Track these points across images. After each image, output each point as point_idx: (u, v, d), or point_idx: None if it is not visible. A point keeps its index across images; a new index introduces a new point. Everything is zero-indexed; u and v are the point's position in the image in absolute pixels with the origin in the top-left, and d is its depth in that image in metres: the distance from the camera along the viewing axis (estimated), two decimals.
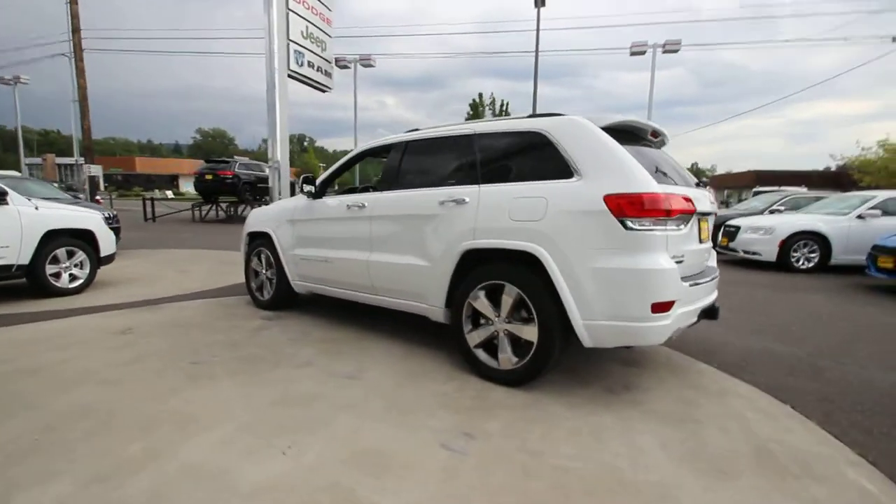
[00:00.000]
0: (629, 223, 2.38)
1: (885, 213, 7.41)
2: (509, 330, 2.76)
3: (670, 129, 3.23)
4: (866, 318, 4.75)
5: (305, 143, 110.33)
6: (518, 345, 2.76)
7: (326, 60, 18.81)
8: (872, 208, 7.49)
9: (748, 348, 3.63)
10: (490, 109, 35.31)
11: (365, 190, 4.97)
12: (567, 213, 2.52)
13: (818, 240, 7.60)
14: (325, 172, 4.12)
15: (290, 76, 16.48)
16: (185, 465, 1.90)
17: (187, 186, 44.25)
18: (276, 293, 4.46)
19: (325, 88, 18.96)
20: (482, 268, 2.86)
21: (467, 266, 2.94)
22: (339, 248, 3.77)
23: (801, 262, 7.69)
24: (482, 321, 2.93)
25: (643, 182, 2.41)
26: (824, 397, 2.75)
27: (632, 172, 2.45)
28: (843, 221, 7.61)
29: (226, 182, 16.58)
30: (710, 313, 2.79)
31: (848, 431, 2.33)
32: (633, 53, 17.27)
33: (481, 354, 2.90)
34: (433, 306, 3.16)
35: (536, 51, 18.04)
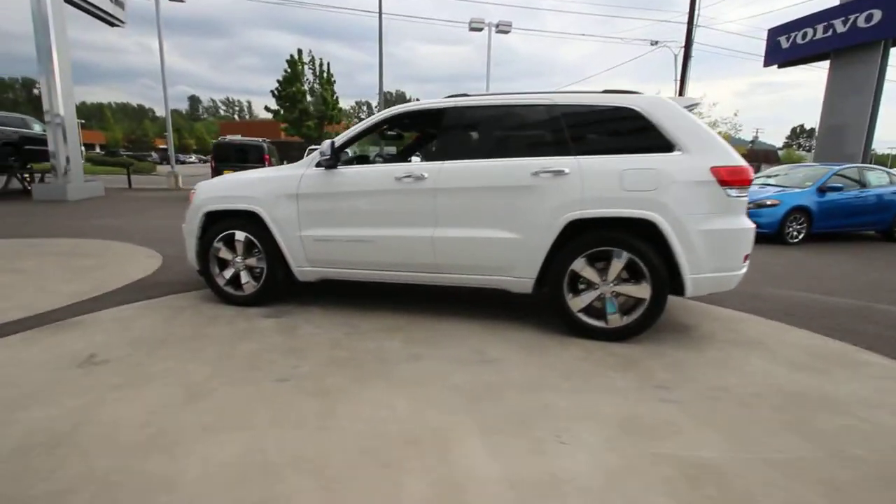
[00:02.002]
0: (730, 191, 2.84)
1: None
2: (618, 291, 3.00)
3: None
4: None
5: (36, 91, 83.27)
6: (623, 304, 3.03)
7: None
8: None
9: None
10: (310, 69, 32.79)
11: (390, 158, 4.41)
12: (678, 182, 2.84)
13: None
14: (342, 137, 3.48)
15: (67, 0, 12.41)
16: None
17: None
18: (267, 285, 3.65)
19: (115, 21, 15.07)
20: (585, 236, 2.99)
21: (565, 236, 3.02)
22: (384, 226, 3.32)
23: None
24: (581, 286, 3.09)
25: (737, 156, 2.90)
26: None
27: (726, 148, 2.90)
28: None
29: None
30: None
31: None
32: (471, 29, 18.32)
33: (585, 318, 3.07)
34: (521, 278, 3.15)
35: (380, 13, 17.49)
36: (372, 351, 2.83)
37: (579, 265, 3.01)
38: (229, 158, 13.29)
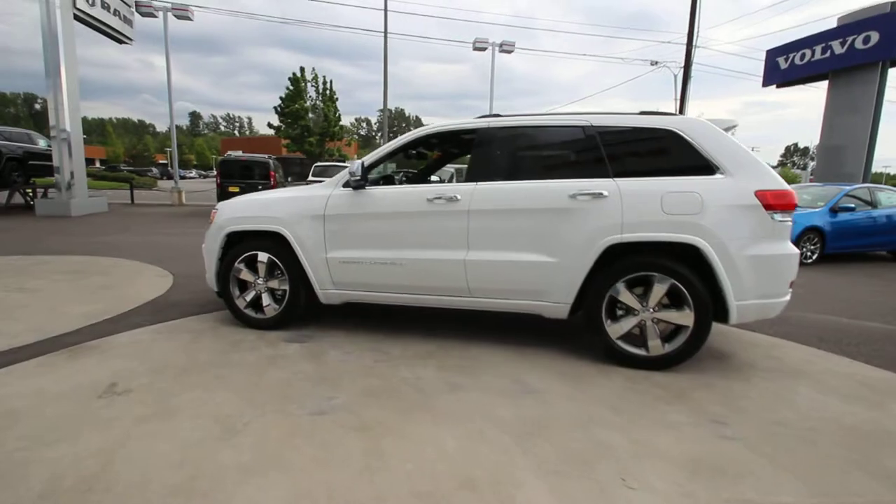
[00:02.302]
0: (776, 215, 2.77)
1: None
2: (659, 318, 2.90)
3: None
4: None
5: (38, 106, 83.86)
6: (663, 331, 2.93)
7: (125, 3, 14.78)
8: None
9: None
10: (313, 86, 33.11)
11: (409, 179, 4.34)
12: (723, 206, 2.77)
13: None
14: (371, 157, 3.41)
15: (77, 17, 12.54)
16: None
17: None
18: (289, 308, 3.54)
19: (123, 38, 15.20)
20: (625, 261, 2.90)
21: (603, 260, 2.93)
22: (414, 248, 3.22)
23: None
24: (619, 312, 2.99)
25: (781, 180, 2.83)
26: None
27: (769, 171, 2.84)
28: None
29: None
30: None
31: None
32: (475, 48, 18.55)
33: (624, 345, 2.96)
34: (556, 303, 3.05)
35: (385, 31, 17.71)
36: (408, 380, 2.70)
37: (619, 290, 2.92)
38: (234, 175, 13.26)
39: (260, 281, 3.58)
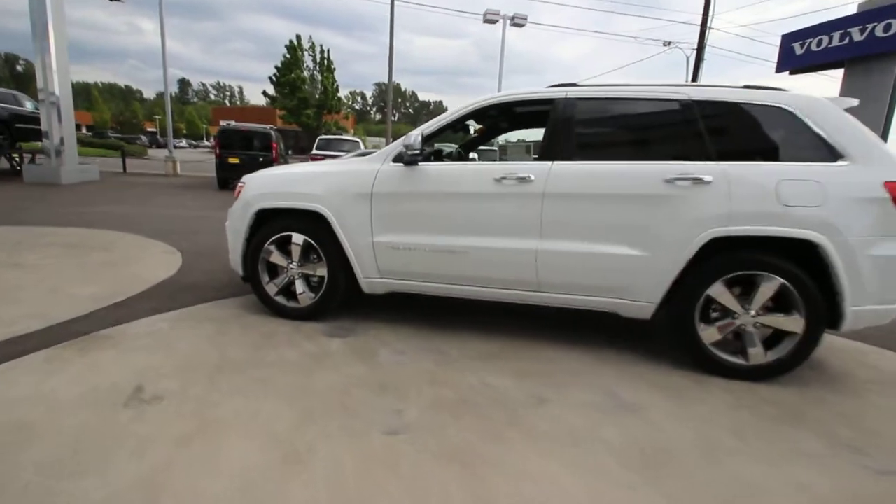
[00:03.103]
0: None
1: None
2: (763, 323, 2.55)
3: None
4: None
5: (19, 67, 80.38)
6: (765, 337, 2.59)
7: None
8: None
9: None
10: (310, 55, 31.91)
11: (456, 154, 3.89)
12: (847, 199, 2.40)
13: None
14: (429, 127, 2.96)
15: None
16: None
17: None
18: (327, 297, 3.14)
19: None
20: (729, 257, 2.53)
21: (701, 255, 2.56)
22: (477, 235, 2.82)
23: None
24: (714, 315, 2.64)
25: None
26: None
27: None
28: None
29: None
30: None
31: None
32: (486, 21, 17.75)
33: (719, 352, 2.62)
34: (640, 302, 2.68)
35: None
36: (480, 390, 2.34)
37: (717, 290, 2.55)
38: (234, 146, 12.62)
39: (293, 266, 3.16)
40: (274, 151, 12.61)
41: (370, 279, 3.07)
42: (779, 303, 2.53)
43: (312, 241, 3.08)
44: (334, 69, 32.78)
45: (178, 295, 3.66)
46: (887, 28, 15.56)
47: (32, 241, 5.23)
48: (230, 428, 1.89)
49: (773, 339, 2.59)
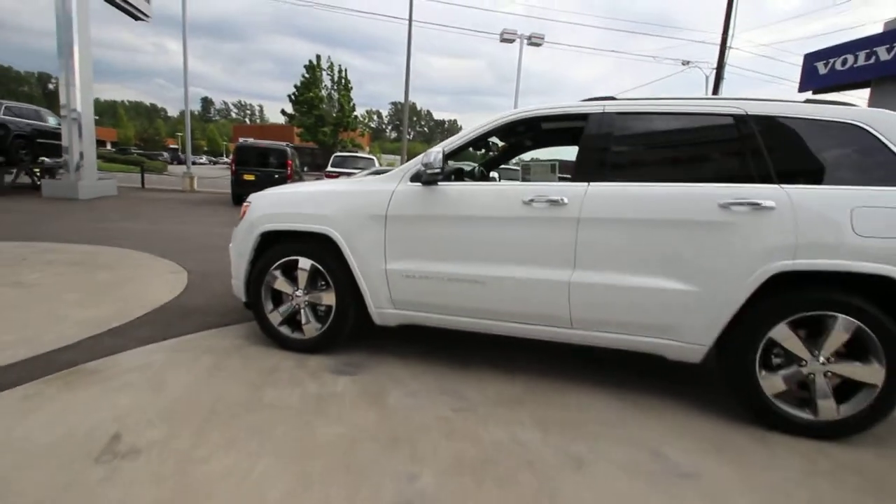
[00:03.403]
0: None
1: None
2: (835, 372, 2.19)
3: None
4: None
5: (51, 86, 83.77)
6: (836, 389, 2.22)
7: None
8: None
9: None
10: (328, 74, 32.42)
11: (477, 174, 3.64)
12: None
13: None
14: (450, 144, 2.71)
15: None
16: None
17: None
18: (334, 328, 2.86)
19: (140, 14, 14.49)
20: (795, 295, 2.20)
21: (762, 292, 2.22)
22: (502, 263, 2.53)
23: None
24: (777, 361, 2.29)
25: None
26: None
27: None
28: None
29: None
30: None
31: None
32: (503, 40, 17.76)
33: (783, 405, 2.26)
34: (689, 343, 2.35)
35: (410, 19, 16.94)
36: (505, 446, 2.02)
37: (781, 333, 2.21)
38: (250, 162, 12.61)
39: (300, 293, 2.90)
40: (289, 168, 12.56)
41: (382, 310, 2.79)
42: (854, 349, 2.17)
43: (320, 267, 2.83)
44: (351, 88, 33.21)
45: (178, 321, 3.43)
46: None
47: (38, 257, 5.09)
48: (214, 495, 1.60)
49: (847, 390, 2.22)
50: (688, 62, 22.70)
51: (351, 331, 2.93)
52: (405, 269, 2.68)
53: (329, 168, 13.00)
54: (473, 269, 2.56)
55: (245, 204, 3.10)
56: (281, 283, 2.93)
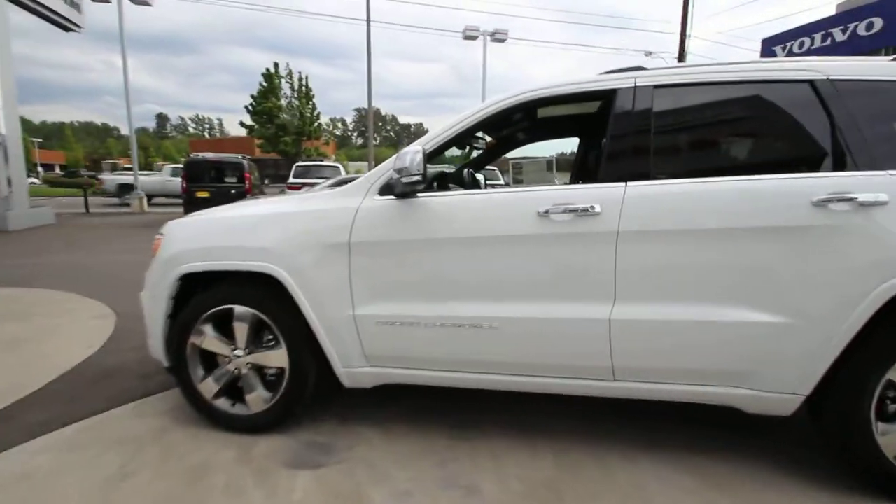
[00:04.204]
0: None
1: None
2: None
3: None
4: None
5: None
6: None
7: None
8: None
9: None
10: (287, 82, 31.22)
11: (467, 178, 2.91)
12: None
13: None
14: (426, 140, 1.99)
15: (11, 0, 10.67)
16: None
17: None
18: (290, 397, 2.11)
19: (70, 25, 13.22)
20: None
21: (877, 320, 1.61)
22: (515, 300, 1.85)
23: None
24: (893, 410, 1.68)
25: None
26: None
27: None
28: None
29: None
30: None
31: None
32: (465, 37, 17.21)
33: None
34: (779, 393, 1.72)
35: (368, 20, 16.17)
36: None
37: None
38: (203, 178, 11.58)
39: (239, 353, 2.14)
40: (248, 182, 11.60)
41: (352, 369, 2.06)
42: None
43: (265, 317, 2.08)
44: (313, 96, 32.05)
45: (88, 391, 2.63)
46: (869, 27, 15.30)
47: None
48: None
49: None
50: (650, 53, 22.74)
51: (311, 398, 2.18)
52: (381, 313, 1.96)
53: (291, 179, 12.09)
54: (473, 309, 1.87)
55: (157, 237, 2.32)
56: (213, 342, 2.16)
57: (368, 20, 16.00)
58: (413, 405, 2.42)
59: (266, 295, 2.07)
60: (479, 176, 3.28)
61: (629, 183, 1.77)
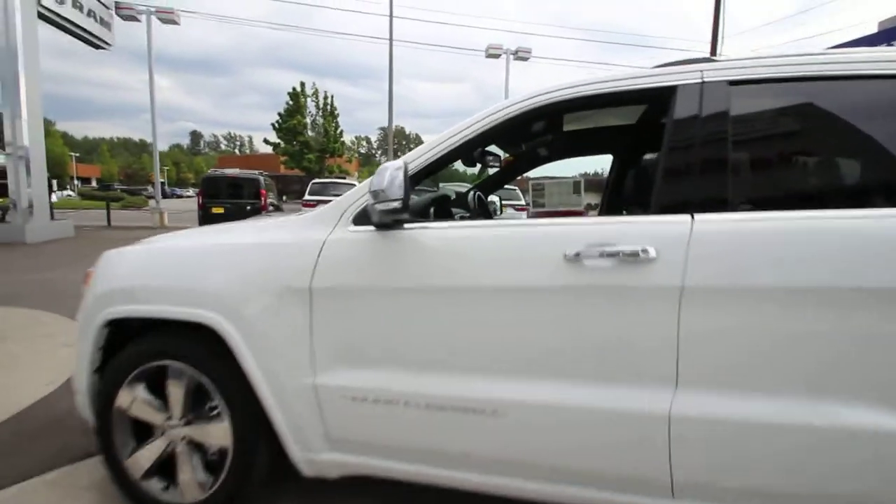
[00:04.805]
0: None
1: None
2: None
3: None
4: None
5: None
6: None
7: (103, 4, 13.22)
8: None
9: None
10: (313, 101, 31.68)
11: (474, 203, 2.37)
12: None
13: None
14: (416, 156, 1.51)
15: (43, 17, 10.97)
16: None
17: None
18: (232, 483, 1.61)
19: (100, 43, 13.50)
20: None
21: None
22: (529, 376, 1.32)
23: None
24: None
25: None
26: None
27: None
28: None
29: None
30: None
31: None
32: (488, 55, 16.99)
33: None
34: None
35: (391, 38, 16.14)
36: None
37: None
38: (220, 194, 11.48)
39: (174, 422, 1.66)
40: (263, 199, 11.42)
41: (312, 455, 1.55)
42: None
43: (204, 379, 1.60)
44: (337, 114, 32.42)
45: (22, 448, 2.21)
46: None
47: None
48: None
49: None
50: None
51: (262, 484, 1.68)
52: (349, 384, 1.45)
53: (307, 196, 11.83)
54: (477, 387, 1.34)
55: (89, 270, 1.89)
56: (142, 407, 1.69)
57: (391, 36, 15.96)
58: (392, 495, 1.88)
59: (207, 351, 1.59)
60: (493, 198, 2.77)
61: (697, 216, 1.24)
